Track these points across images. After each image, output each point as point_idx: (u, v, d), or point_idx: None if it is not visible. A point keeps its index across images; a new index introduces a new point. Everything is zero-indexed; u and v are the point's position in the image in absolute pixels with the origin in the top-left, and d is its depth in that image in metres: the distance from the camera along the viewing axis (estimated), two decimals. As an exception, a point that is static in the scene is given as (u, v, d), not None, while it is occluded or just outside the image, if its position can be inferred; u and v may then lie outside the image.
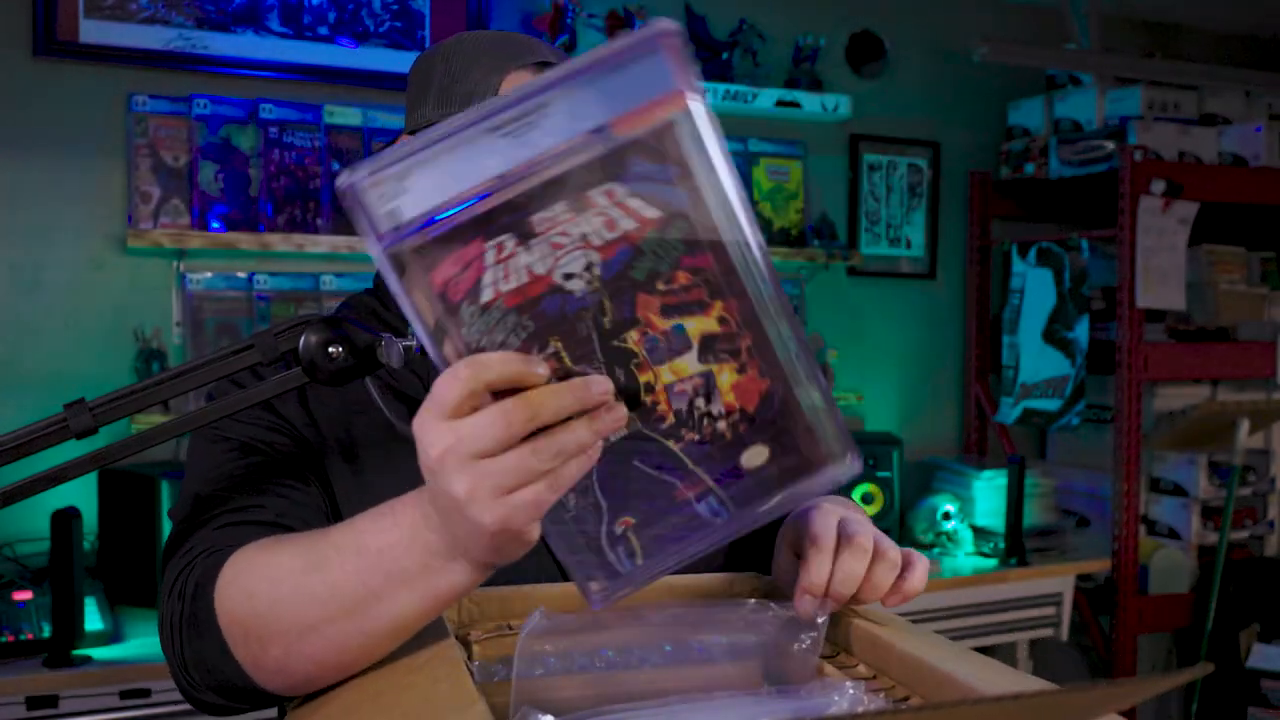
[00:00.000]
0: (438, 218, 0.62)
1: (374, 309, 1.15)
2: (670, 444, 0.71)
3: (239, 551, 0.85)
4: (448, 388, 0.65)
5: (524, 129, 0.62)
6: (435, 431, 0.66)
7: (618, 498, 0.71)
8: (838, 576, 0.84)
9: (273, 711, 1.00)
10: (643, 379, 0.69)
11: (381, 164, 0.61)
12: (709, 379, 0.70)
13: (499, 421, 0.64)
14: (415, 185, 0.62)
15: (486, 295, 0.65)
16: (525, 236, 0.64)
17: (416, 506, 0.75)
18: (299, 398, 1.04)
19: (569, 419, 0.66)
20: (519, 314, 0.65)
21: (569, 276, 0.66)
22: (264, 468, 0.98)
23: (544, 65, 1.06)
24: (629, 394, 0.69)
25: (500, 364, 0.65)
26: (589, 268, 0.66)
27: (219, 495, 0.95)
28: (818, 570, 0.84)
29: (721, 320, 0.69)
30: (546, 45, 1.11)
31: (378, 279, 1.20)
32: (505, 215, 0.63)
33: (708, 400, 0.71)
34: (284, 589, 0.79)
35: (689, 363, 0.69)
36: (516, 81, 1.05)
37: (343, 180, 0.61)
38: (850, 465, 0.77)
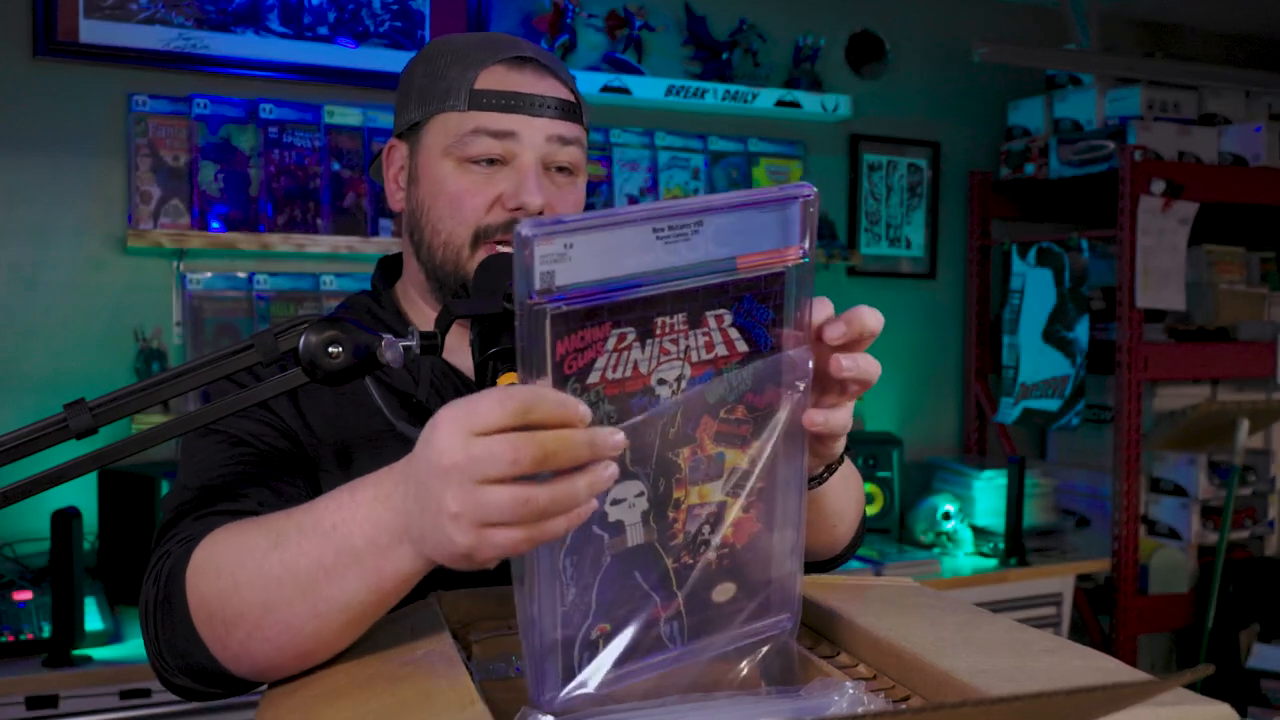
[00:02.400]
0: (586, 292, 0.66)
1: (371, 310, 1.15)
2: (668, 561, 0.73)
3: (212, 534, 0.86)
4: (492, 407, 0.66)
5: (679, 239, 0.68)
6: (455, 439, 0.67)
7: (605, 603, 0.71)
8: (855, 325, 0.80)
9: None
10: (675, 495, 0.72)
11: (556, 226, 0.64)
12: (721, 510, 0.75)
13: (508, 452, 0.65)
14: (576, 255, 0.65)
15: (594, 378, 0.68)
16: (645, 335, 0.69)
17: (375, 485, 0.76)
18: (290, 397, 1.05)
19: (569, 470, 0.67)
20: (610, 404, 0.69)
21: (661, 382, 0.71)
22: (252, 461, 1.00)
23: (522, 60, 1.08)
24: (660, 503, 0.72)
25: (553, 405, 0.66)
26: (679, 379, 0.71)
27: (206, 487, 0.97)
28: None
29: (751, 459, 0.75)
30: (529, 43, 1.12)
31: (375, 281, 1.20)
32: (638, 310, 0.68)
33: (713, 530, 0.74)
34: (247, 569, 0.81)
35: (715, 490, 0.74)
36: (493, 76, 1.07)
37: (524, 229, 0.64)
38: (786, 622, 0.80)
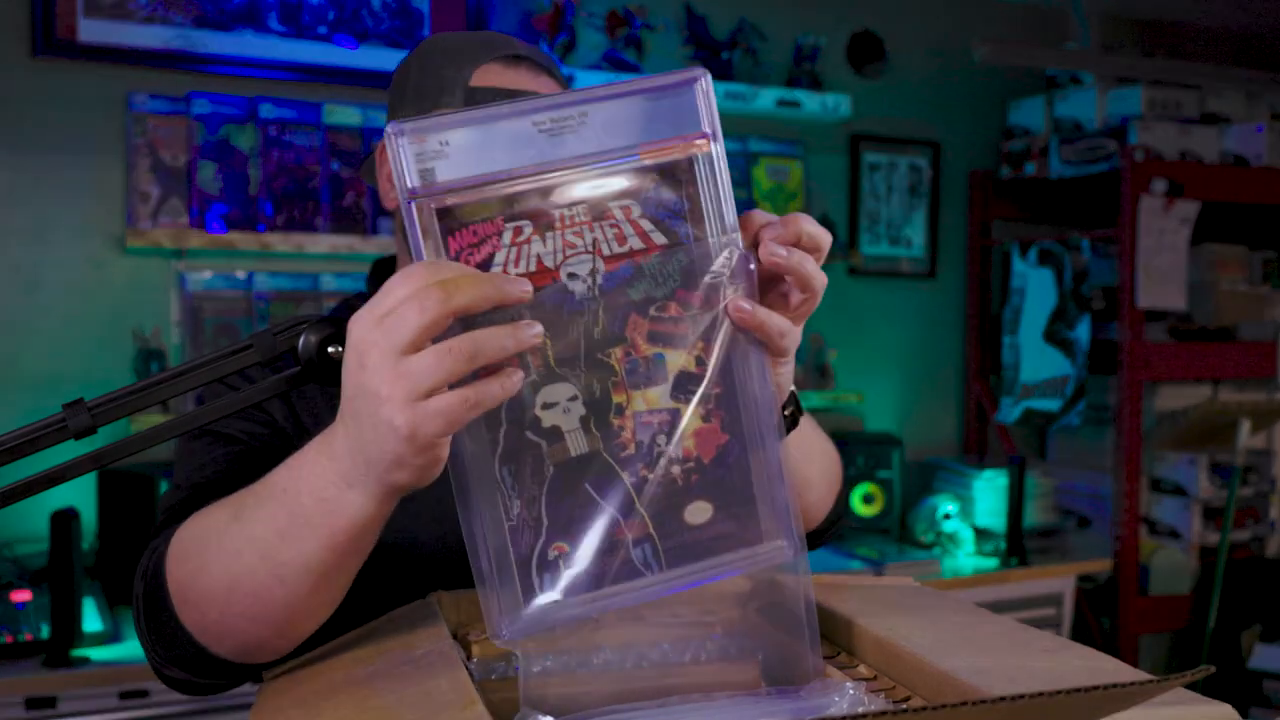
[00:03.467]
0: (469, 186, 0.66)
1: None
2: (624, 475, 0.70)
3: (186, 521, 0.87)
4: (391, 289, 0.66)
5: (562, 130, 0.66)
6: (366, 333, 0.67)
7: (559, 519, 0.68)
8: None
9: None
10: (615, 399, 0.69)
11: (427, 123, 0.65)
12: (675, 417, 0.71)
13: (415, 311, 0.64)
14: (454, 152, 0.66)
15: (494, 272, 0.67)
16: (543, 228, 0.67)
17: (321, 438, 0.76)
18: (283, 396, 1.06)
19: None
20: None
21: (573, 276, 0.68)
22: (243, 459, 1.00)
23: (517, 59, 1.08)
24: (599, 408, 0.69)
25: (473, 285, 0.65)
26: (593, 274, 0.68)
27: (197, 485, 0.98)
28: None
29: (699, 361, 0.71)
30: (523, 42, 1.12)
31: (371, 280, 1.20)
32: (530, 202, 0.67)
33: (668, 439, 0.70)
34: (211, 546, 0.81)
35: (661, 395, 0.70)
36: (488, 74, 1.07)
37: (390, 127, 0.64)
38: (785, 551, 0.74)
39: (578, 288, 0.68)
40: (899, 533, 3.18)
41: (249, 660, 0.85)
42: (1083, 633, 3.33)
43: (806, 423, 1.01)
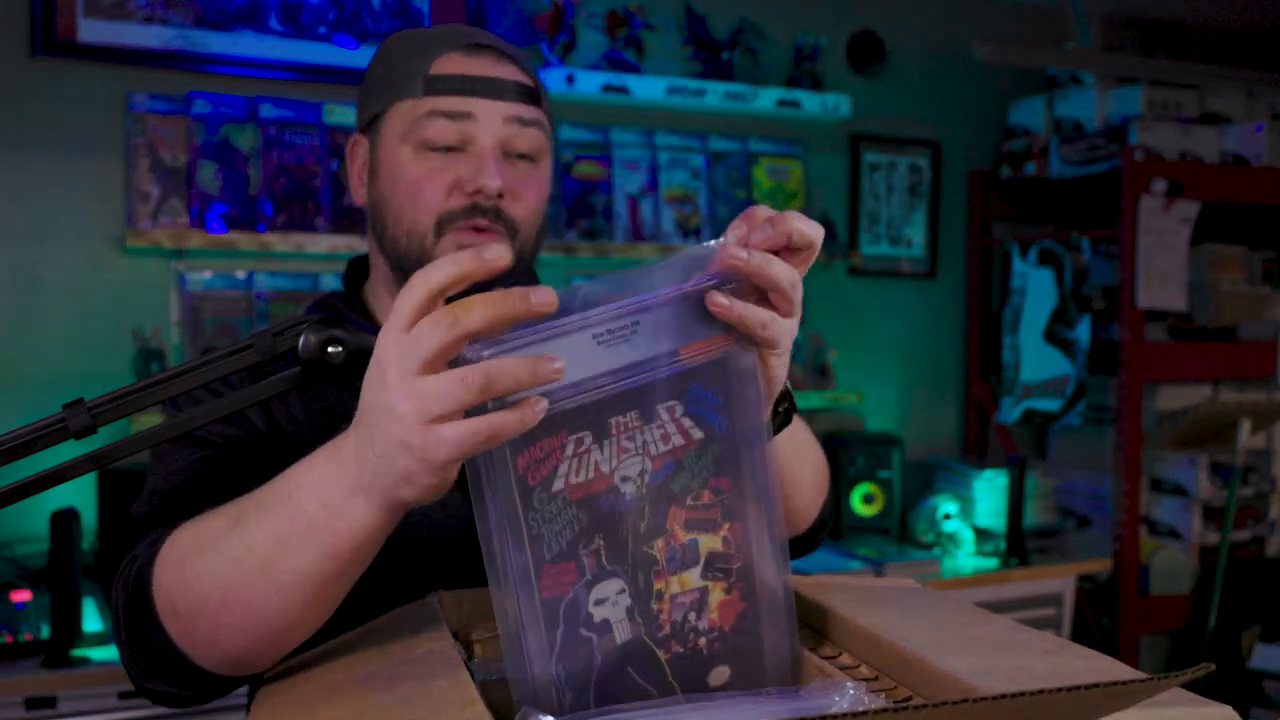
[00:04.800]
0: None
1: (340, 310, 1.15)
2: (660, 653, 0.75)
3: (180, 527, 0.86)
4: (402, 303, 0.68)
5: (618, 341, 0.71)
6: (385, 352, 0.69)
7: (603, 703, 0.73)
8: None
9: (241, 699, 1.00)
10: (656, 587, 0.75)
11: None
12: (704, 595, 0.76)
13: (458, 375, 0.66)
14: None
15: (558, 485, 0.71)
16: (601, 437, 0.71)
17: (327, 446, 0.76)
18: (263, 412, 1.05)
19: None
20: (577, 508, 0.71)
21: (625, 480, 0.73)
22: (219, 462, 0.99)
23: (479, 47, 1.07)
24: (642, 598, 0.74)
25: (438, 275, 0.68)
26: (641, 475, 0.73)
27: (172, 490, 0.96)
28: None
29: (725, 541, 0.76)
30: (487, 32, 1.11)
31: (346, 280, 1.19)
32: (591, 414, 0.71)
33: (698, 615, 0.76)
34: (207, 554, 0.80)
35: (694, 577, 0.76)
36: (448, 63, 1.06)
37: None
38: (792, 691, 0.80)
39: (628, 490, 0.73)
40: (899, 533, 3.18)
41: (233, 673, 0.84)
42: (1083, 633, 3.33)
43: (798, 424, 1.00)
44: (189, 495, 0.95)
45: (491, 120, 1.05)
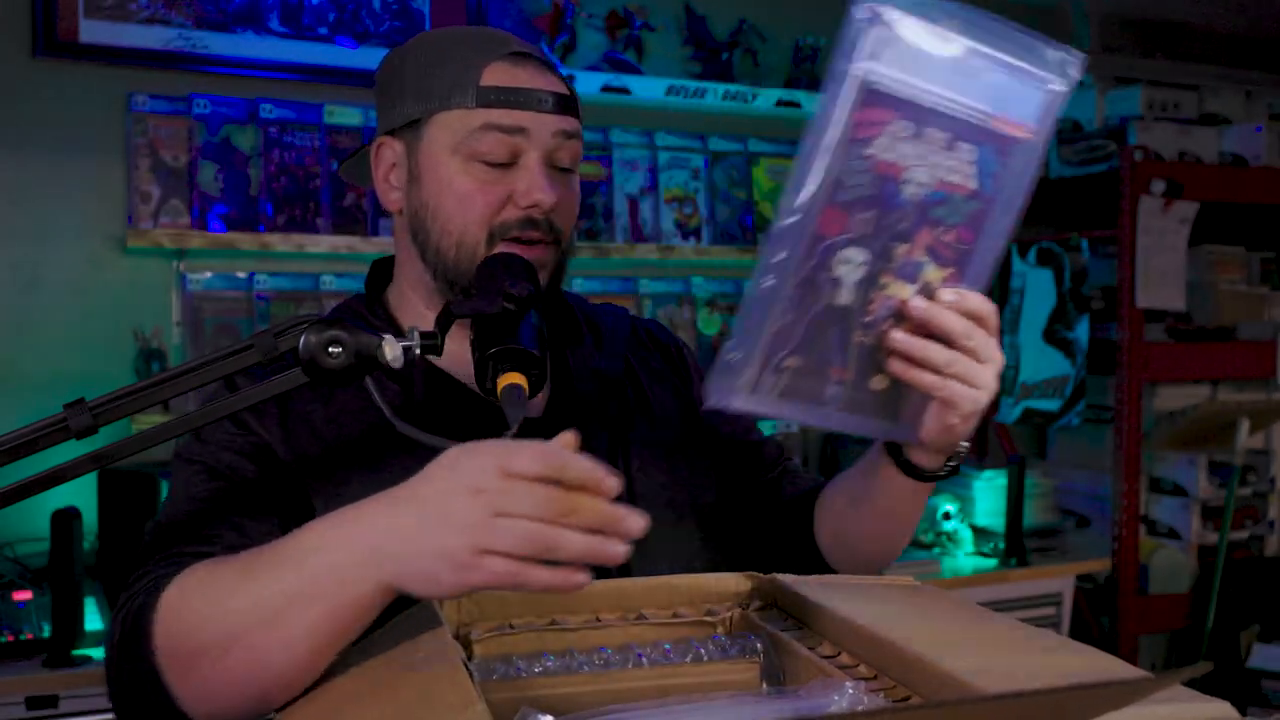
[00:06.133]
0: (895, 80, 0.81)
1: (362, 314, 1.14)
2: (856, 333, 0.87)
3: (183, 574, 0.86)
4: (533, 457, 0.71)
5: (969, 78, 0.83)
6: (489, 470, 0.71)
7: (805, 341, 0.85)
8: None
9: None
10: (882, 280, 0.87)
11: (890, 20, 0.79)
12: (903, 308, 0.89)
13: (541, 496, 0.70)
14: (898, 54, 0.80)
15: (869, 150, 0.82)
16: (918, 137, 0.83)
17: (356, 509, 0.77)
18: (279, 417, 1.04)
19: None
20: (871, 178, 0.82)
21: (908, 181, 0.84)
22: (225, 496, 0.99)
23: (522, 56, 1.08)
24: (870, 280, 0.87)
25: (580, 469, 0.71)
26: (922, 186, 0.85)
27: (177, 524, 0.97)
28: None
29: (944, 282, 0.89)
30: (517, 38, 1.11)
31: (369, 283, 1.19)
32: (919, 113, 0.82)
33: (889, 322, 0.89)
34: (214, 604, 0.81)
35: (907, 290, 0.88)
36: (496, 74, 1.06)
37: (861, 13, 0.79)
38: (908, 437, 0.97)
39: (910, 191, 0.84)
40: (899, 532, 3.17)
41: None
42: (1082, 632, 3.33)
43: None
44: (188, 530, 0.96)
45: (542, 134, 1.06)
